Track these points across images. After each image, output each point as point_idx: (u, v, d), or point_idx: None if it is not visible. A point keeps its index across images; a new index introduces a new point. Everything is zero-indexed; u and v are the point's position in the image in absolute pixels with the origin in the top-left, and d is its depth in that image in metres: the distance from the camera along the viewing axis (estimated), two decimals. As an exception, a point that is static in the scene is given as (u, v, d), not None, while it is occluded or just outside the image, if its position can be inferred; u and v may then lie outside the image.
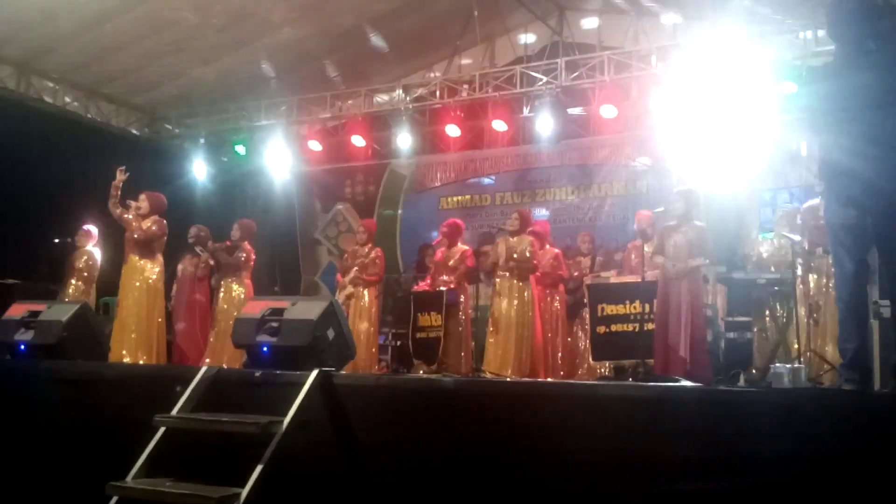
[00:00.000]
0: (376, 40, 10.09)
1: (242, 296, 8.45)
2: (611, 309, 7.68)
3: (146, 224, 7.68)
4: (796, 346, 6.58)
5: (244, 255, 8.63)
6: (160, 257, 7.76)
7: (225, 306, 8.45)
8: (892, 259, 4.00)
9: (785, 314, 6.99)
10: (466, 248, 8.56)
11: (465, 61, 11.17)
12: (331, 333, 4.81)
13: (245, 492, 3.80)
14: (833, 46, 4.36)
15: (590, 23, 10.59)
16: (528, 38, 11.00)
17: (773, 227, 7.77)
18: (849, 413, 3.51)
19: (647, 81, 9.46)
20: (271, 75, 10.40)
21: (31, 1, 8.80)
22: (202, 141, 11.72)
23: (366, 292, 8.65)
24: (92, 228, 8.79)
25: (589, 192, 10.84)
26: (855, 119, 4.00)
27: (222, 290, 8.58)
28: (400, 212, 12.05)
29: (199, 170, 11.61)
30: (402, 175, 12.10)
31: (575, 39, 10.52)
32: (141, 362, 7.29)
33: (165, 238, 7.83)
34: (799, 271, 6.81)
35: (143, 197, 7.78)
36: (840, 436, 3.39)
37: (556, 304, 8.59)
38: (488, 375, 7.50)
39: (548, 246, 8.64)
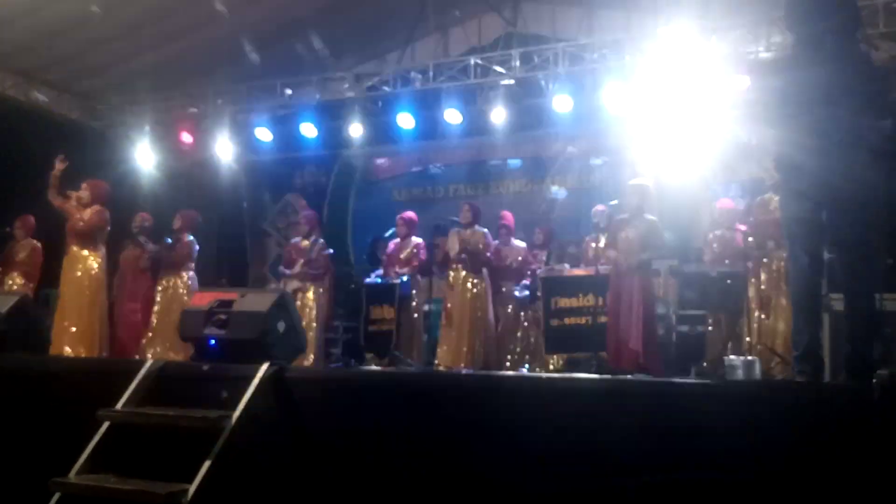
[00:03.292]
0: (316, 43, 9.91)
1: (184, 289, 8.29)
2: (564, 302, 7.70)
3: (88, 214, 7.49)
4: (748, 339, 6.66)
5: (186, 249, 8.47)
6: (103, 248, 7.58)
7: (167, 301, 8.30)
8: (845, 252, 4.05)
9: (736, 307, 7.06)
10: (419, 240, 8.51)
11: (419, 51, 11.08)
12: (281, 326, 4.71)
13: (193, 487, 3.72)
14: (788, 41, 4.39)
15: (544, 14, 10.56)
16: (482, 28, 10.94)
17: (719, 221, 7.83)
18: (801, 404, 3.53)
19: (601, 74, 9.47)
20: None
21: (-32, -17, 8.51)
22: (147, 128, 11.45)
23: (312, 287, 8.54)
24: (29, 218, 8.54)
25: (542, 185, 10.85)
26: (806, 114, 4.04)
27: (162, 284, 8.42)
28: (351, 203, 11.93)
29: (144, 158, 11.35)
30: (354, 166, 11.99)
31: (529, 30, 10.49)
32: (82, 355, 7.10)
33: (108, 228, 7.64)
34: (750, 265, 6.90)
35: (84, 185, 7.59)
36: (792, 427, 3.42)
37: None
38: (441, 368, 7.47)
39: (513, 240, 8.60)
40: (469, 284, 7.98)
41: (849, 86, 4.01)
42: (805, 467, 3.32)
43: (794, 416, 3.47)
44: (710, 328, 7.20)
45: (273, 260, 12.22)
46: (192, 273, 8.52)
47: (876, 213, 4.06)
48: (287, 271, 8.72)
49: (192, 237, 8.59)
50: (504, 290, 8.40)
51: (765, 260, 6.85)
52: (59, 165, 7.51)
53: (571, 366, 7.49)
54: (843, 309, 4.20)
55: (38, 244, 8.51)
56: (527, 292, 8.26)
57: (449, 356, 7.81)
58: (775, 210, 6.43)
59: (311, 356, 8.24)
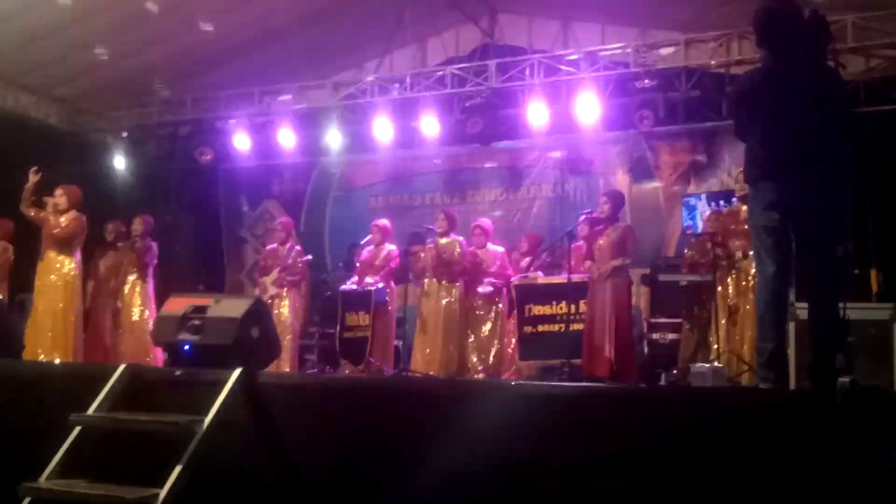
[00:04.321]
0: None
1: (148, 292, 8.36)
2: (538, 309, 7.77)
3: (64, 220, 7.47)
4: (716, 346, 6.76)
5: (149, 251, 8.49)
6: (78, 253, 7.56)
7: (130, 305, 8.33)
8: (811, 261, 4.13)
9: (705, 315, 7.15)
10: (393, 247, 8.54)
11: (397, 60, 11.14)
12: (255, 332, 4.72)
13: (163, 493, 3.71)
14: (758, 55, 4.48)
15: (520, 25, 10.67)
16: (459, 38, 11.02)
17: (700, 230, 7.94)
18: (764, 410, 3.60)
19: (576, 84, 9.58)
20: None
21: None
22: (125, 135, 11.44)
23: (288, 293, 8.56)
24: (6, 221, 8.51)
25: (518, 194, 10.93)
26: (773, 126, 4.12)
27: (125, 288, 8.42)
28: (329, 210, 11.96)
29: (121, 164, 11.32)
30: (332, 173, 12.00)
31: (506, 41, 10.59)
32: (56, 360, 7.08)
33: (84, 234, 7.62)
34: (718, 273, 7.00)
35: (59, 191, 7.57)
36: (756, 432, 3.48)
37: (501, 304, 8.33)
38: (415, 375, 7.51)
39: (490, 245, 8.50)
40: (444, 292, 8.02)
41: (815, 101, 4.10)
42: (769, 471, 3.38)
43: (758, 422, 3.54)
44: (680, 336, 7.29)
45: (250, 266, 12.22)
46: (152, 277, 8.52)
47: (841, 224, 4.16)
48: (262, 278, 8.73)
49: (153, 242, 8.60)
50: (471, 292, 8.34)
51: (733, 269, 6.95)
52: (32, 178, 7.48)
53: (544, 372, 7.55)
54: (807, 317, 4.28)
55: (10, 246, 8.47)
56: (490, 288, 8.18)
57: (423, 363, 7.85)
58: (744, 220, 6.54)
59: (287, 363, 8.27)
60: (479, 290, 8.23)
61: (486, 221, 8.74)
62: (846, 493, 3.24)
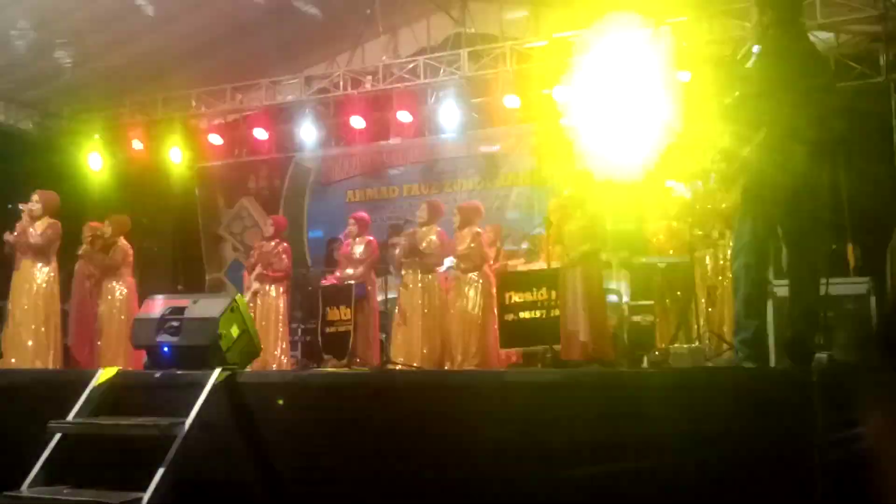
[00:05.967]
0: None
1: (125, 295, 8.21)
2: (518, 296, 7.77)
3: (40, 227, 7.39)
4: (696, 326, 6.80)
5: (121, 253, 8.31)
6: (54, 259, 7.48)
7: (108, 309, 8.17)
8: (789, 240, 4.16)
9: (684, 296, 7.19)
10: (372, 239, 8.52)
11: (369, 52, 11.10)
12: (235, 331, 4.72)
13: (147, 496, 3.72)
14: (728, 33, 4.48)
15: (491, 13, 10.64)
16: (430, 28, 10.98)
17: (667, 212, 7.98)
18: (744, 388, 3.63)
19: (549, 71, 9.57)
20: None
21: None
22: (97, 136, 11.34)
23: (272, 288, 8.54)
24: None
25: (495, 182, 10.92)
26: (745, 106, 4.13)
27: (103, 292, 8.26)
28: (306, 205, 11.91)
29: (95, 166, 11.22)
30: (308, 168, 11.94)
31: (477, 29, 10.57)
32: (36, 368, 7.02)
33: (60, 240, 7.54)
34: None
35: (35, 197, 7.48)
36: (737, 411, 3.51)
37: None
38: (397, 367, 7.50)
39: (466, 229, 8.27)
40: (422, 283, 8.00)
41: (788, 79, 4.11)
42: (751, 448, 3.41)
43: (737, 400, 3.57)
44: (660, 318, 7.33)
45: (231, 265, 12.16)
46: (130, 279, 8.36)
47: (817, 203, 4.18)
48: (249, 274, 8.73)
49: (125, 242, 8.43)
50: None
51: (710, 249, 6.98)
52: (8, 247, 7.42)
53: (527, 359, 7.57)
54: (787, 295, 4.30)
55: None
56: (445, 266, 8.10)
57: (405, 355, 7.83)
58: (720, 201, 6.58)
59: (284, 357, 8.36)
60: (439, 270, 8.13)
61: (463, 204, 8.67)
62: (822, 469, 3.27)
